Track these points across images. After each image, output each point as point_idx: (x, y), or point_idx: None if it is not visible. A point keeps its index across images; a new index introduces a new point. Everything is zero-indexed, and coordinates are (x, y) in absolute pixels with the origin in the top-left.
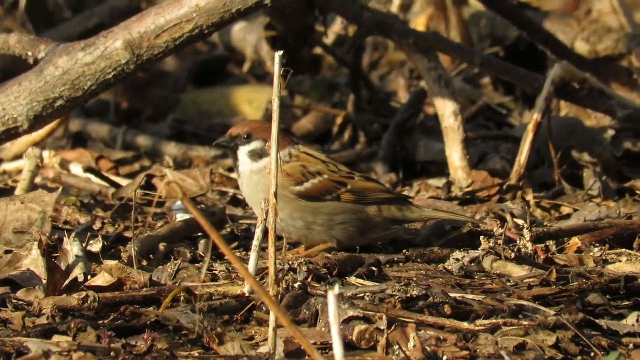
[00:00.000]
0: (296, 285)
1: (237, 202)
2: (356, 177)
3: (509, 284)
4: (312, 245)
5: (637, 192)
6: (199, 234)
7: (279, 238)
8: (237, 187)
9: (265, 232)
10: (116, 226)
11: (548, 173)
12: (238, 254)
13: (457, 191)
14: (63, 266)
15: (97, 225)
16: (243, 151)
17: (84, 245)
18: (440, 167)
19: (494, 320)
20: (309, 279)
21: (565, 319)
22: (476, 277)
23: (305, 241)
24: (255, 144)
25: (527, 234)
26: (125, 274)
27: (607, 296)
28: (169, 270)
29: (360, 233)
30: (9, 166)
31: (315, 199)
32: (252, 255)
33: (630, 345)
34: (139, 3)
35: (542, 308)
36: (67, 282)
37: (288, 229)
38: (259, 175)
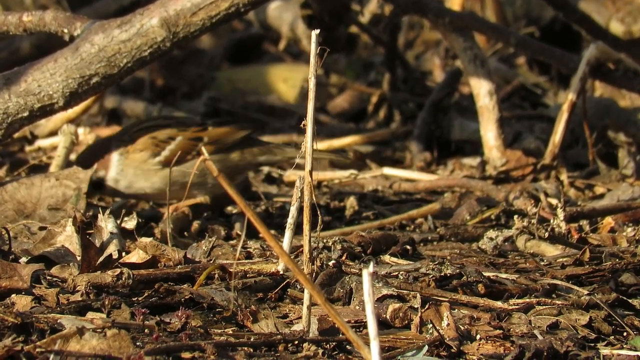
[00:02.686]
0: (330, 263)
1: (272, 179)
2: (209, 127)
3: (542, 263)
4: None
5: None
6: (234, 211)
7: (314, 216)
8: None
9: (300, 210)
10: (151, 203)
11: (582, 153)
12: (273, 231)
13: (492, 170)
14: (97, 243)
15: (132, 201)
16: None
17: (118, 222)
18: (474, 147)
19: (527, 300)
20: (344, 257)
21: (599, 298)
22: (510, 256)
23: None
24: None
25: (560, 213)
26: (159, 252)
27: None
28: (204, 247)
29: (231, 180)
30: (44, 143)
31: (178, 162)
32: (287, 233)
33: None
34: None
35: (575, 288)
36: (101, 259)
37: (166, 195)
38: None
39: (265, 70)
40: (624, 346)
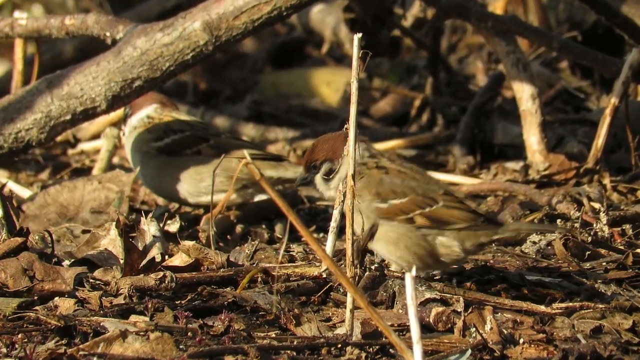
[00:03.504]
0: (373, 267)
1: None
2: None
3: (585, 267)
4: None
5: None
6: (275, 215)
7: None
8: None
9: (342, 213)
10: (194, 206)
11: (625, 157)
12: (315, 235)
13: (535, 174)
14: (140, 246)
15: (175, 205)
16: None
17: (161, 225)
18: (517, 150)
19: (570, 304)
20: (386, 261)
21: None
22: (552, 260)
23: None
24: None
25: (603, 217)
26: (202, 255)
27: None
28: (247, 251)
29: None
30: (86, 146)
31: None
32: (330, 236)
33: None
34: None
35: (618, 291)
36: (144, 262)
37: None
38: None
39: (308, 73)
40: None
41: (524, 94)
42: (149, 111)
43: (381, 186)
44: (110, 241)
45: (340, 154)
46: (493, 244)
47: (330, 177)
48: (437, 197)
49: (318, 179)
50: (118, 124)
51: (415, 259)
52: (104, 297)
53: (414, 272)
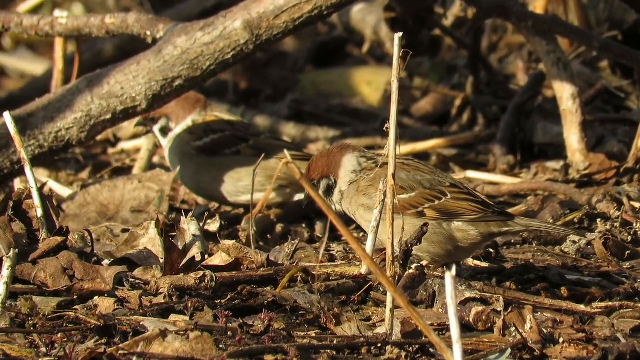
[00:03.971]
0: (413, 266)
1: None
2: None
3: (625, 266)
4: None
5: None
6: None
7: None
8: None
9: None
10: (234, 206)
11: None
12: (355, 234)
13: (575, 174)
14: (180, 245)
15: (215, 204)
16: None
17: (201, 224)
18: (558, 150)
19: (610, 303)
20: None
21: None
22: (592, 259)
23: None
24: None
25: None
26: (242, 254)
27: None
28: (287, 250)
29: None
30: (127, 145)
31: None
32: (370, 236)
33: None
34: None
35: None
36: (184, 261)
37: None
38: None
39: (348, 73)
40: None
41: (564, 93)
42: (193, 116)
43: None
44: (150, 240)
45: (335, 169)
46: (533, 243)
47: (331, 193)
48: (445, 189)
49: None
50: None
51: (435, 248)
52: (143, 297)
53: (454, 271)
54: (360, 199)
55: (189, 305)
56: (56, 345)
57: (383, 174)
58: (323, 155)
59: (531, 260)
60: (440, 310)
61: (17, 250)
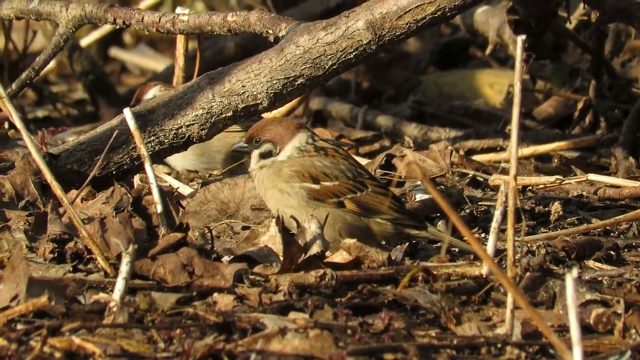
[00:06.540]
0: (534, 267)
1: (477, 183)
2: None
3: None
4: None
5: None
6: (437, 214)
7: (518, 220)
8: (477, 169)
9: (504, 214)
10: None
11: None
12: (477, 235)
13: None
14: (301, 243)
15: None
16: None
17: (322, 222)
18: None
19: None
20: (547, 262)
21: None
22: None
23: None
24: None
25: None
26: (363, 253)
27: None
28: (408, 250)
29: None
30: None
31: None
32: (491, 236)
33: None
34: None
35: None
36: (304, 257)
37: None
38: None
39: (471, 74)
40: None
41: None
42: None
43: (313, 168)
44: (270, 238)
45: (284, 142)
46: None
47: (266, 158)
48: (366, 181)
49: (255, 153)
50: None
51: (347, 236)
52: (263, 294)
53: (575, 273)
54: (280, 183)
55: (309, 303)
56: (174, 341)
57: (309, 161)
58: (280, 122)
59: None
60: (561, 311)
61: (136, 245)
